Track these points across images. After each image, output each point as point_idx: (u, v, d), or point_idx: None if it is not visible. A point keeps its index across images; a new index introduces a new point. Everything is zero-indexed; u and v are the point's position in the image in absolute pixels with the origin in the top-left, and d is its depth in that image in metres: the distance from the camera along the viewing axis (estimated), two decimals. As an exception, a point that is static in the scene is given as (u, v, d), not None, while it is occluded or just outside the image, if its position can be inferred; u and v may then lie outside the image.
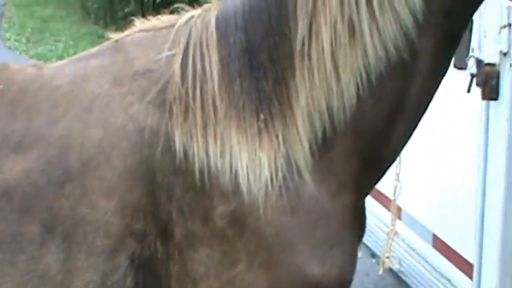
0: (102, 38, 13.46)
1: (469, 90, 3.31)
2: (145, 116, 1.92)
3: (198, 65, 1.89)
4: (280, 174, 1.82)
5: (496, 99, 3.29)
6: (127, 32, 2.11)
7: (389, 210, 4.15)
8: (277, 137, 1.82)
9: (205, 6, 2.01)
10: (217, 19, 1.93)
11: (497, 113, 3.38)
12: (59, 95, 2.03)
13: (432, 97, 1.95)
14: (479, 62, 3.27)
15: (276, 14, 1.82)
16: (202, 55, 1.90)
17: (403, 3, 1.73)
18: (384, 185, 2.89)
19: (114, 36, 2.09)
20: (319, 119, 1.82)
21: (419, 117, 1.98)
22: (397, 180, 3.69)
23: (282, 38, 1.81)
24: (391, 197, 4.00)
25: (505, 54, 3.20)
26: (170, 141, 1.89)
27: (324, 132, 1.85)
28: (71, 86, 2.02)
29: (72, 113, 1.99)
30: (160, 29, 2.03)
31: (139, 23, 2.11)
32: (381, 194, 4.35)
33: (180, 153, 1.88)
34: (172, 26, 1.99)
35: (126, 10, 13.56)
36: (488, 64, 3.22)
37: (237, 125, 1.84)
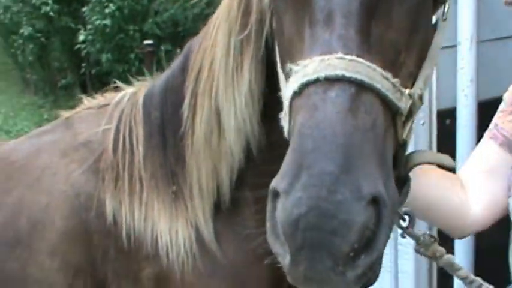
0: (42, 108, 13.62)
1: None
2: (82, 182, 2.01)
3: (127, 139, 2.00)
4: (193, 242, 1.90)
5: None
6: (76, 110, 2.26)
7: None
8: (186, 207, 1.91)
9: (138, 84, 2.16)
10: (145, 97, 2.03)
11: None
12: (14, 169, 2.15)
13: None
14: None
15: (177, 97, 1.92)
16: (130, 130, 2.01)
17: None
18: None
19: (65, 114, 2.27)
20: (212, 193, 1.88)
21: None
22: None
23: (180, 118, 1.92)
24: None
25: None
26: (103, 206, 1.97)
27: (223, 203, 1.90)
28: (25, 160, 2.16)
29: (24, 183, 2.10)
30: (104, 106, 2.14)
31: (87, 101, 2.26)
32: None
33: (110, 217, 1.96)
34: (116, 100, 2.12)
35: (64, 81, 13.89)
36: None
37: (157, 195, 1.94)
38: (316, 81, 1.26)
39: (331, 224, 1.15)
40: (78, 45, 12.43)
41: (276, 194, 1.24)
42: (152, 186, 1.94)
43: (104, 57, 12.26)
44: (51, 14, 12.91)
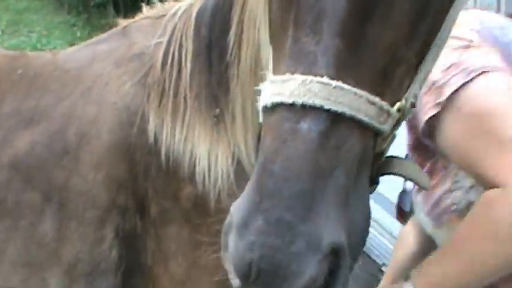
0: (74, 26, 13.64)
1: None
2: (132, 96, 2.00)
3: (176, 54, 1.96)
4: (232, 169, 1.87)
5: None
6: (135, 19, 2.21)
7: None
8: (228, 133, 1.88)
9: None
10: (198, 12, 1.98)
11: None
12: (69, 77, 2.14)
13: None
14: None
15: (224, 21, 1.88)
16: (181, 45, 1.97)
17: None
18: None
19: (123, 22, 2.22)
20: (257, 124, 1.74)
21: None
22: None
23: (227, 43, 1.87)
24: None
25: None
26: (146, 123, 1.96)
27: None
28: (80, 68, 2.15)
29: (77, 92, 2.09)
30: (161, 16, 2.10)
31: (146, 10, 2.21)
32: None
33: (152, 135, 1.94)
34: (171, 12, 2.07)
35: (98, 0, 13.82)
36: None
37: (199, 116, 1.90)
38: (292, 105, 1.12)
39: (282, 272, 1.08)
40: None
41: (230, 224, 1.16)
42: (195, 107, 1.90)
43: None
44: None
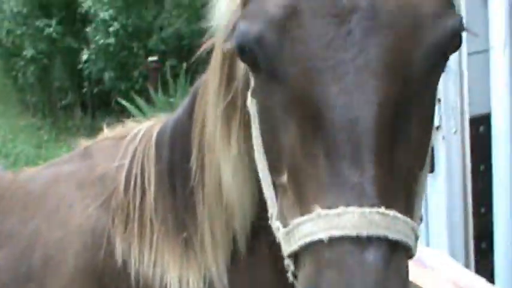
0: (41, 129, 13.61)
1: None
2: (96, 219, 1.99)
3: (139, 178, 1.97)
4: None
5: (431, 172, 3.32)
6: (96, 140, 2.24)
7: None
8: (198, 257, 1.86)
9: (155, 118, 2.13)
10: (157, 134, 1.99)
11: (434, 185, 3.42)
12: (32, 198, 2.15)
13: None
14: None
15: (184, 144, 1.88)
16: (143, 168, 1.97)
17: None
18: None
19: (84, 143, 2.25)
20: (228, 244, 1.83)
21: None
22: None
23: (189, 168, 1.87)
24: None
25: (437, 128, 3.31)
26: (113, 247, 1.94)
27: (239, 253, 1.84)
28: (43, 190, 2.15)
29: (40, 215, 2.09)
30: (122, 137, 2.11)
31: (107, 131, 2.24)
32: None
33: (120, 260, 1.93)
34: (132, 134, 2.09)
35: (64, 102, 13.80)
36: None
37: (167, 240, 1.90)
38: (354, 238, 1.19)
39: None
40: (81, 65, 12.34)
41: None
42: (163, 232, 1.90)
43: (107, 75, 12.10)
44: (54, 35, 12.87)
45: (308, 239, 1.23)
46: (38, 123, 13.73)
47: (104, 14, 11.75)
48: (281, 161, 1.35)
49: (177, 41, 11.93)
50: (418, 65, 1.29)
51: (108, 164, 2.06)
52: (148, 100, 8.99)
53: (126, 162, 2.01)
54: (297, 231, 1.26)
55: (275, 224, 1.39)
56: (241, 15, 1.39)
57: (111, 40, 11.73)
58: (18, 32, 13.40)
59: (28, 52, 13.03)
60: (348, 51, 1.25)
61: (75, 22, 13.17)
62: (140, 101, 8.68)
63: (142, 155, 1.99)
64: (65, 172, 2.16)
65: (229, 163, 1.72)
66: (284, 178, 1.34)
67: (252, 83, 1.47)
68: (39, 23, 12.95)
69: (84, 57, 12.09)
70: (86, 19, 12.60)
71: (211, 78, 1.73)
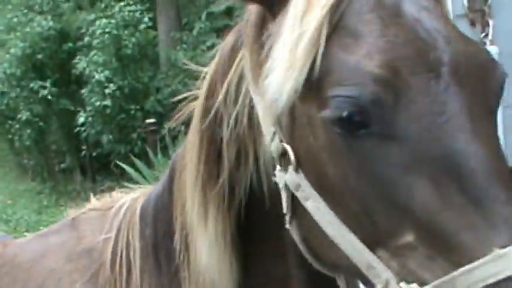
0: (41, 194, 13.49)
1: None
2: None
3: (124, 252, 1.98)
4: None
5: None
6: (83, 210, 2.25)
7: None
8: None
9: (140, 190, 2.14)
10: (141, 208, 2.00)
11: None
12: (20, 271, 2.14)
13: None
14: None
15: (166, 222, 1.91)
16: (128, 243, 1.98)
17: None
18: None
19: (72, 213, 2.25)
20: None
21: None
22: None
23: (172, 246, 1.89)
24: None
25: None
26: None
27: None
28: (31, 262, 2.16)
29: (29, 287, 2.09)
30: (109, 208, 2.12)
31: (94, 201, 2.25)
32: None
33: None
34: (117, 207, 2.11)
35: (63, 165, 13.73)
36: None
37: None
38: None
39: None
40: (78, 128, 12.29)
41: None
42: None
43: (105, 138, 12.07)
44: (50, 97, 12.88)
45: (491, 280, 1.20)
46: (38, 188, 13.68)
47: (99, 76, 11.78)
48: (401, 222, 1.30)
49: (174, 103, 11.81)
50: (496, 105, 1.38)
51: (95, 236, 2.06)
52: (149, 163, 8.98)
53: (112, 235, 2.01)
54: (470, 276, 1.22)
55: (397, 287, 1.32)
56: (327, 84, 1.34)
57: (108, 102, 11.74)
58: (13, 94, 13.42)
59: (23, 115, 13.03)
60: (456, 102, 1.29)
61: (70, 84, 13.21)
62: (140, 164, 8.70)
63: (127, 229, 2.00)
64: (54, 244, 2.17)
65: (205, 244, 1.73)
66: (408, 238, 1.30)
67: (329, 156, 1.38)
68: (34, 84, 12.95)
69: (81, 119, 12.07)
70: (80, 80, 12.62)
71: (189, 156, 1.74)
